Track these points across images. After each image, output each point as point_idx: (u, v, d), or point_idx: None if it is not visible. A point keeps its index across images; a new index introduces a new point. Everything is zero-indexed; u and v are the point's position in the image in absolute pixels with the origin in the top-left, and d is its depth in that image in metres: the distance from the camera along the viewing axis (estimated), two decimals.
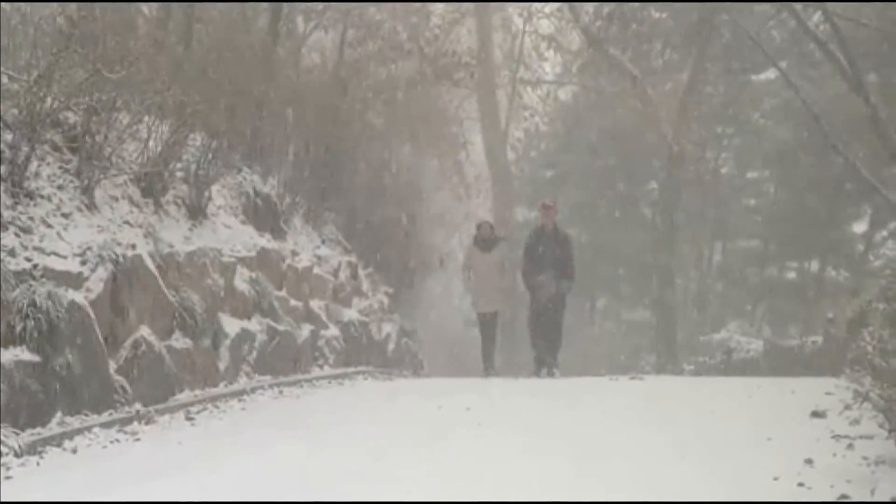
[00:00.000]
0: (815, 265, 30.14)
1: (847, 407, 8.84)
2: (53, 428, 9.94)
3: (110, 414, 10.91)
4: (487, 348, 18.91)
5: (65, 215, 11.62)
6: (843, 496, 7.30)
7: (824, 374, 14.89)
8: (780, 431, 10.09)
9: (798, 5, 21.47)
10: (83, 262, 11.15)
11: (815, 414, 10.93)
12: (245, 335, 14.66)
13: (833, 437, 9.61)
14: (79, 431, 10.13)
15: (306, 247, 18.78)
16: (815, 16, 21.96)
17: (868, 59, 21.03)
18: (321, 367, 17.21)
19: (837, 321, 18.66)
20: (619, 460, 9.03)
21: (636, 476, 8.40)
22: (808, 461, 8.54)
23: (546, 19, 33.37)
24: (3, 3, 12.42)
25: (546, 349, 17.79)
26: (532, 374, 18.10)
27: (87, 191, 12.34)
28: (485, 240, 18.56)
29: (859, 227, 29.45)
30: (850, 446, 9.14)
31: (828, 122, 21.97)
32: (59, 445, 9.69)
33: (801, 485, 7.80)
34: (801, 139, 27.60)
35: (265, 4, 20.84)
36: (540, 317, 17.81)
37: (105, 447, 9.97)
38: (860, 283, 25.22)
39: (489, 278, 18.40)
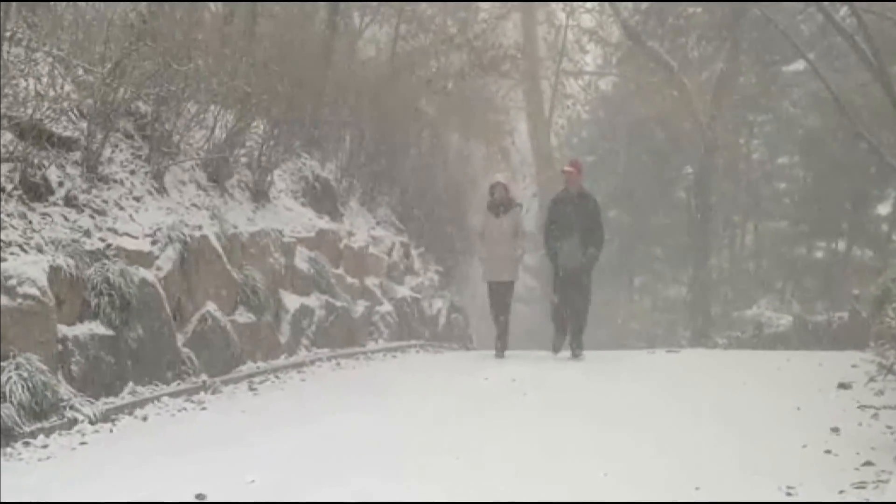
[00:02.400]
0: (841, 245, 29.90)
1: (872, 379, 9.12)
2: (125, 397, 10.00)
3: (178, 384, 10.95)
4: (499, 324, 15.75)
5: (136, 198, 11.66)
6: (868, 462, 7.36)
7: (850, 348, 14.89)
8: (808, 401, 10.18)
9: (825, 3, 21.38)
10: (153, 242, 11.19)
11: (842, 385, 11.07)
12: (304, 310, 14.63)
13: (858, 407, 9.74)
14: (149, 400, 10.19)
15: (362, 228, 18.71)
16: (842, 10, 21.82)
17: (892, 50, 20.83)
18: (376, 340, 17.15)
19: (863, 298, 18.71)
20: (657, 426, 9.07)
21: (674, 440, 8.45)
22: (835, 430, 8.65)
23: (587, 14, 33.12)
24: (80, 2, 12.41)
25: (570, 328, 15.03)
26: (553, 350, 15.33)
27: (157, 175, 12.40)
28: (498, 204, 15.61)
29: (884, 209, 29.27)
30: (874, 416, 9.28)
31: (853, 110, 22.00)
32: (130, 414, 9.73)
33: (827, 452, 7.88)
34: (829, 126, 27.31)
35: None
36: (563, 291, 15.08)
37: (173, 415, 10.00)
38: (884, 262, 25.07)
39: (502, 246, 15.43)
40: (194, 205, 12.74)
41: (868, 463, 7.40)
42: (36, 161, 10.13)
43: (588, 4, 32.32)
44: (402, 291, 19.31)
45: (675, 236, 30.83)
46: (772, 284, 30.83)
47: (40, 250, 9.39)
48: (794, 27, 25.59)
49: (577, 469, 7.41)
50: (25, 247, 9.25)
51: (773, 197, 32.01)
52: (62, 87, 10.79)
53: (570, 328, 15.03)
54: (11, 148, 9.96)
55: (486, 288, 16.08)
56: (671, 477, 7.10)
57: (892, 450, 7.76)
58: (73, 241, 9.89)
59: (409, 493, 6.71)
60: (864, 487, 6.74)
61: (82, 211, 10.54)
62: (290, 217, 15.40)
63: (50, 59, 10.94)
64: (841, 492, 6.64)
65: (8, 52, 10.81)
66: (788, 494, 6.61)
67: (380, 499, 6.61)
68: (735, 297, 29.82)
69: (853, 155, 26.11)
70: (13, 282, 8.71)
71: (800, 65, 27.25)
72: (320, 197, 17.22)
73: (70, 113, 11.21)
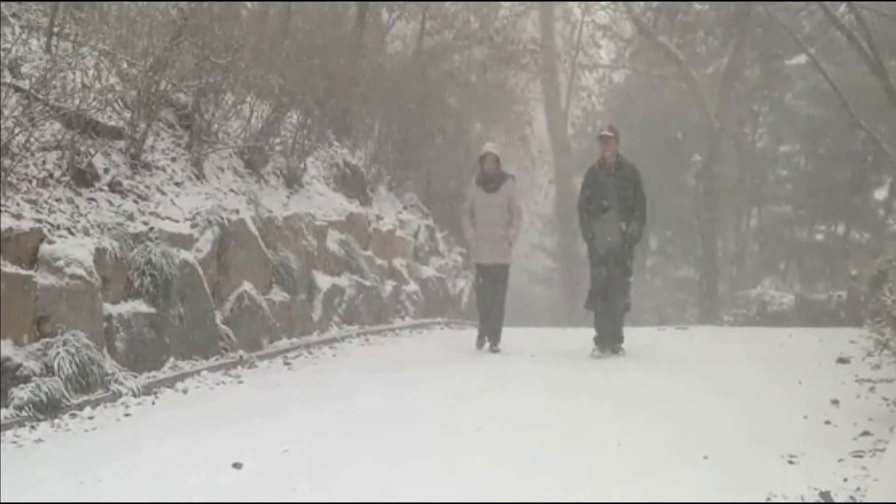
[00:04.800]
0: (840, 228, 29.95)
1: (869, 354, 8.92)
2: (166, 371, 10.01)
3: (216, 359, 10.94)
4: (487, 314, 13.06)
5: (177, 184, 11.64)
6: (866, 432, 7.41)
7: (849, 325, 14.90)
8: (809, 375, 10.25)
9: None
10: (193, 226, 11.19)
11: (841, 360, 11.16)
12: (335, 290, 14.57)
13: (857, 380, 9.81)
14: (189, 374, 10.19)
15: (389, 212, 18.64)
16: (841, 7, 21.90)
17: (888, 45, 20.99)
18: (402, 318, 17.08)
19: (860, 278, 18.73)
20: (666, 399, 9.07)
21: (682, 411, 8.45)
22: (835, 402, 8.69)
23: (602, 11, 33.03)
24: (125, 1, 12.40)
25: (607, 317, 12.21)
26: (592, 353, 12.11)
27: (197, 163, 12.38)
28: (489, 177, 12.86)
29: (880, 195, 29.39)
30: (871, 389, 9.38)
31: (852, 101, 22.13)
32: (171, 387, 9.73)
33: (827, 423, 7.91)
34: (829, 117, 27.49)
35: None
36: (599, 274, 12.18)
37: (212, 388, 9.99)
38: (881, 244, 25.10)
39: (493, 224, 12.74)
40: (232, 190, 12.70)
41: (866, 433, 7.43)
42: (83, 149, 10.11)
43: (602, 3, 32.27)
44: (428, 272, 19.24)
45: (685, 220, 30.76)
46: (775, 265, 30.85)
47: (87, 233, 9.38)
48: (796, 23, 25.66)
49: (594, 438, 7.40)
50: (73, 230, 9.24)
51: (776, 183, 32.04)
52: (107, 80, 10.86)
53: (608, 316, 12.21)
54: (60, 137, 9.97)
55: (475, 272, 13.63)
56: (680, 446, 7.08)
57: (888, 420, 7.80)
58: (118, 224, 9.89)
59: (433, 464, 6.67)
60: (861, 456, 6.76)
61: (126, 196, 10.52)
62: (322, 202, 15.34)
63: (96, 53, 10.99)
64: (840, 460, 6.64)
65: (56, 47, 10.85)
66: (790, 462, 6.61)
67: (408, 469, 6.55)
68: (740, 277, 29.87)
69: (852, 144, 26.24)
70: (61, 263, 8.72)
71: (801, 59, 27.30)
72: (350, 183, 17.15)
73: (115, 104, 11.19)
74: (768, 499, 5.75)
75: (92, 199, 9.99)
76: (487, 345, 12.95)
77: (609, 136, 12.32)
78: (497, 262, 12.89)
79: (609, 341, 12.14)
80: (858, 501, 5.28)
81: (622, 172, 12.18)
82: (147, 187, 10.99)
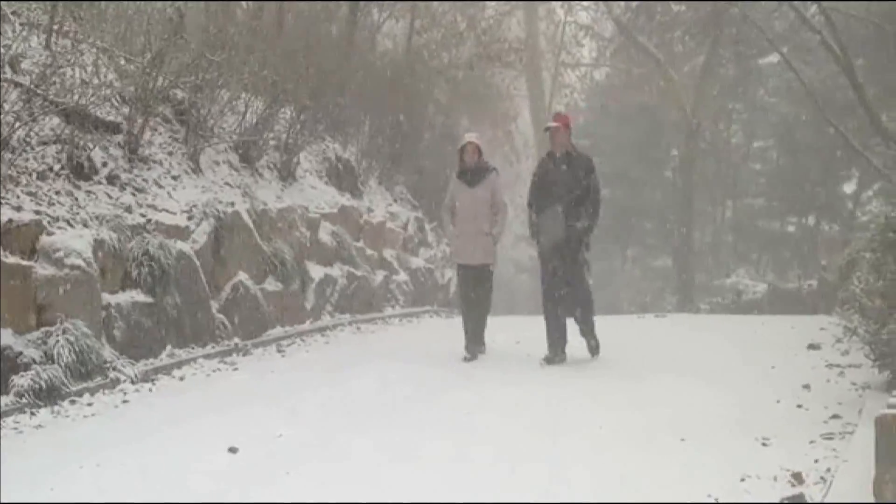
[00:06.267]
0: (811, 220, 29.96)
1: (839, 340, 9.20)
2: (164, 359, 9.96)
3: (212, 347, 10.90)
4: (472, 318, 11.10)
5: (174, 177, 11.58)
6: (836, 416, 7.47)
7: (819, 313, 14.95)
8: (781, 361, 10.25)
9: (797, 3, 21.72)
10: (189, 218, 11.13)
11: (812, 346, 11.16)
12: (328, 280, 14.52)
13: (827, 365, 9.84)
14: (186, 362, 10.15)
15: (380, 204, 18.60)
16: (812, 8, 21.93)
17: (857, 45, 21.09)
18: (393, 306, 17.05)
19: (830, 267, 18.78)
20: (646, 384, 9.11)
21: (660, 396, 8.50)
22: (806, 386, 8.74)
23: (584, 11, 33.09)
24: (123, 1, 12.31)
25: (557, 322, 10.53)
26: (544, 359, 10.49)
27: (193, 157, 12.32)
28: (470, 170, 11.06)
29: (849, 188, 29.36)
30: (841, 374, 9.41)
31: (822, 99, 22.25)
32: (168, 374, 9.69)
33: (799, 406, 7.96)
34: (800, 113, 27.56)
35: None
36: (550, 274, 10.54)
37: (208, 375, 9.95)
38: (849, 236, 25.02)
39: (476, 220, 10.93)
40: (227, 183, 12.64)
41: (835, 416, 7.48)
42: (81, 143, 10.04)
43: (584, 3, 32.30)
44: (417, 262, 19.20)
45: (663, 212, 30.81)
46: (749, 255, 30.85)
47: (85, 225, 9.32)
48: (769, 24, 25.64)
49: (579, 421, 7.46)
50: (72, 221, 9.18)
51: (750, 177, 32.07)
52: (106, 76, 10.82)
53: (578, 319, 10.65)
54: (59, 131, 9.92)
55: (456, 274, 12.04)
56: (658, 429, 7.10)
57: (856, 404, 7.82)
58: (116, 216, 9.82)
59: (426, 446, 6.70)
60: (831, 438, 6.79)
61: (124, 189, 10.46)
62: (315, 195, 15.28)
63: (94, 50, 10.97)
64: (811, 442, 6.68)
65: (56, 44, 10.76)
66: (764, 445, 6.65)
67: (396, 450, 6.53)
68: (716, 267, 29.88)
69: (822, 139, 26.25)
70: (61, 254, 8.67)
71: (774, 58, 27.29)
72: (342, 176, 17.11)
73: (113, 99, 11.12)
74: (742, 480, 5.78)
75: (90, 192, 9.91)
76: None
77: (556, 127, 10.64)
78: (479, 263, 11.02)
79: (562, 344, 10.55)
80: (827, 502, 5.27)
81: (574, 164, 10.54)
82: (144, 180, 10.91)
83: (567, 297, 10.47)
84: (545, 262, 10.58)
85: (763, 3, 24.44)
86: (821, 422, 7.30)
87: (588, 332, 10.70)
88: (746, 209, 31.85)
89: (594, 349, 10.75)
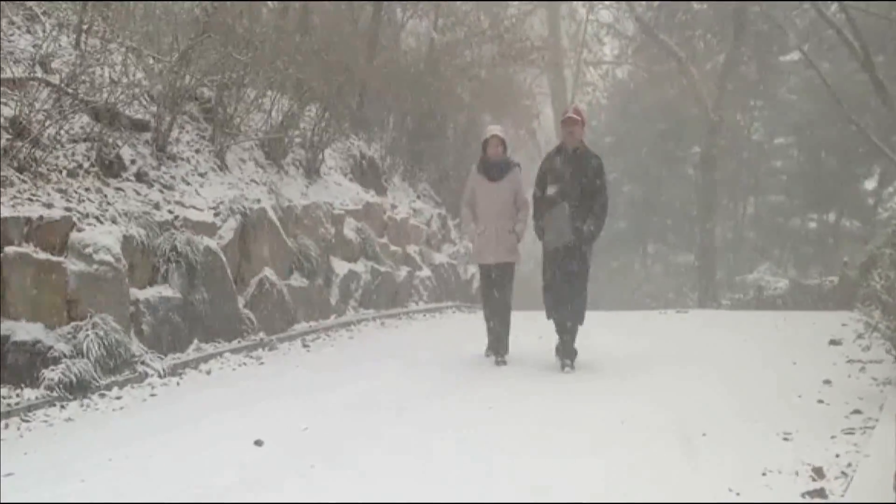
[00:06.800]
0: (832, 216, 29.92)
1: (860, 336, 8.98)
2: (191, 353, 9.98)
3: (239, 342, 10.90)
4: (496, 320, 10.50)
5: (201, 175, 11.60)
6: (857, 411, 7.41)
7: (840, 309, 14.79)
8: (802, 356, 10.18)
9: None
10: (216, 214, 11.14)
11: (833, 342, 11.08)
12: (352, 275, 14.54)
13: (848, 361, 9.77)
14: (212, 356, 10.16)
15: (404, 201, 18.62)
16: (833, 6, 21.94)
17: (877, 42, 20.99)
18: (416, 302, 17.07)
19: (851, 264, 18.72)
20: (668, 380, 9.04)
21: (683, 392, 8.42)
22: (827, 381, 8.67)
23: (606, 10, 33.01)
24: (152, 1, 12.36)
25: (559, 328, 9.96)
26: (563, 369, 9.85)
27: (220, 154, 12.35)
28: (493, 164, 10.43)
29: (870, 185, 29.39)
30: (862, 369, 9.34)
31: (843, 96, 22.05)
32: (195, 368, 9.72)
33: (820, 401, 7.88)
34: (821, 110, 27.38)
35: None
36: (552, 274, 9.92)
37: (234, 370, 9.97)
38: (870, 232, 24.93)
39: (499, 217, 10.31)
40: (253, 180, 12.66)
41: (856, 411, 7.41)
42: (110, 141, 10.08)
43: (606, 3, 32.24)
44: (440, 258, 19.21)
45: (684, 208, 30.76)
46: (770, 252, 30.78)
47: (114, 221, 9.34)
48: (790, 22, 25.54)
49: (599, 415, 7.40)
50: (101, 218, 9.21)
51: (771, 173, 32.04)
52: (134, 75, 10.84)
53: (559, 328, 9.99)
54: (88, 129, 9.96)
55: (479, 273, 11.27)
56: (680, 424, 7.05)
57: (877, 400, 7.77)
58: (144, 213, 9.84)
59: (445, 442, 6.65)
60: (852, 433, 6.73)
61: (152, 186, 10.49)
62: (340, 191, 15.30)
63: (123, 50, 11.00)
64: (832, 437, 6.62)
65: (85, 43, 10.81)
66: (785, 439, 6.60)
67: (415, 445, 6.53)
68: (737, 263, 29.83)
69: (842, 136, 26.22)
70: (90, 250, 8.69)
71: (795, 55, 27.24)
72: (366, 173, 17.14)
73: (141, 98, 11.18)
74: (763, 474, 5.73)
75: (119, 189, 9.94)
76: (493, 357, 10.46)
77: (575, 119, 9.87)
78: (502, 261, 10.38)
79: (558, 353, 10.07)
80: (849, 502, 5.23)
81: (583, 161, 9.82)
82: (172, 177, 10.94)
83: (566, 299, 9.86)
84: (548, 265, 9.99)
85: (784, 1, 24.38)
86: (842, 417, 7.24)
87: (571, 339, 9.92)
88: (768, 206, 31.82)
89: (569, 364, 9.83)
